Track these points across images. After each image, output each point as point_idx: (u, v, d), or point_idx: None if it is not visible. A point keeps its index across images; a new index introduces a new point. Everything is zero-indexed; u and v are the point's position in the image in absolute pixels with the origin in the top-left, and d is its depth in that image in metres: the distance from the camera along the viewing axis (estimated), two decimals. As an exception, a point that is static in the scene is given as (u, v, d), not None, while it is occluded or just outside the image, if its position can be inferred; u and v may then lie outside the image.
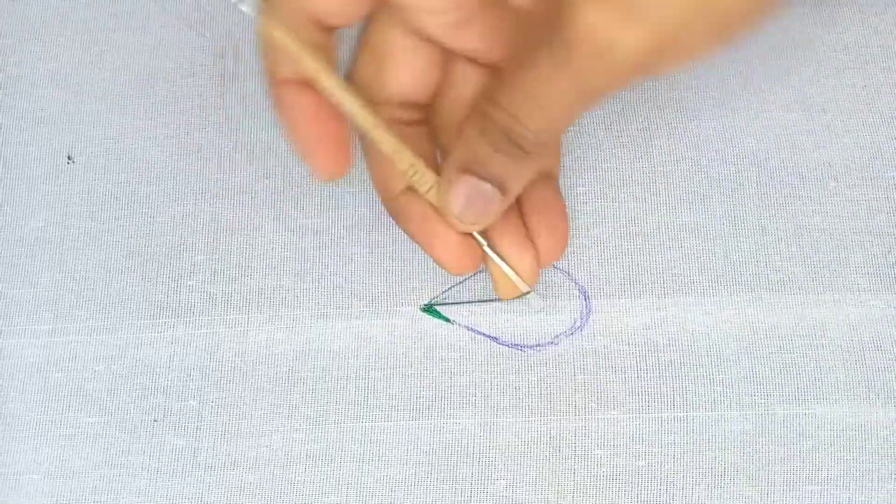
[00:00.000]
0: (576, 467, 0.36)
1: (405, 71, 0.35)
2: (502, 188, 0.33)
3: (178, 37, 0.45)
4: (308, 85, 0.33)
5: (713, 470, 0.35)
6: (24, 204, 0.42)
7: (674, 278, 0.38)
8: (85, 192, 0.42)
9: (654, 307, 0.38)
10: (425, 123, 0.36)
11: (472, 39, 0.34)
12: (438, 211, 0.34)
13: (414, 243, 0.39)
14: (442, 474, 0.36)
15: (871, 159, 0.40)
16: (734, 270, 0.38)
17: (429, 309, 0.38)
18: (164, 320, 0.39)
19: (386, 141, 0.33)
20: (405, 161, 0.33)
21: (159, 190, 0.42)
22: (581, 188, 0.40)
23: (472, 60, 0.35)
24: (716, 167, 0.40)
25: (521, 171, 0.33)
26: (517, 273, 0.35)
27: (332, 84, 0.32)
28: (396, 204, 0.35)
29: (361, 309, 0.39)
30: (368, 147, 0.35)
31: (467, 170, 0.32)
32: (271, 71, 0.34)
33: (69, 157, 0.43)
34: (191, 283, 0.40)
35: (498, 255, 0.35)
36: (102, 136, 0.43)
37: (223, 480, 0.37)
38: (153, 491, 0.37)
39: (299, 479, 0.36)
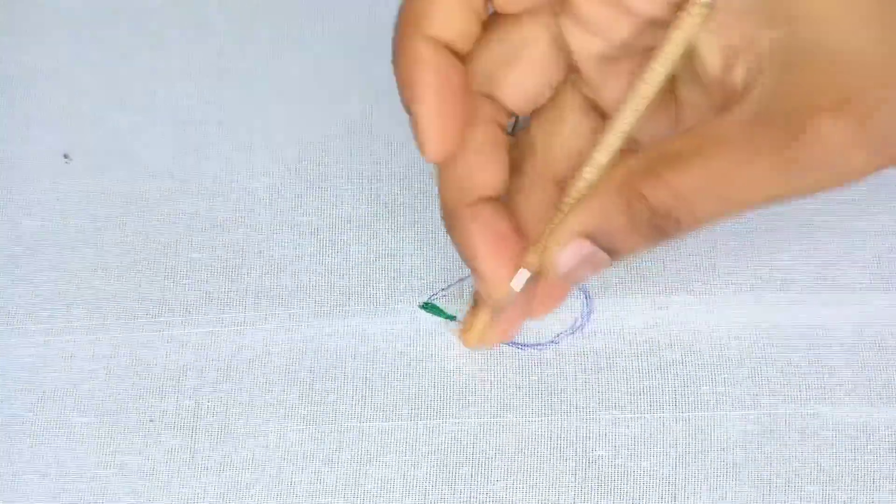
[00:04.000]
0: (577, 468, 0.35)
1: (530, 79, 0.32)
2: (614, 257, 0.31)
3: (177, 35, 0.45)
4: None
5: (716, 470, 0.35)
6: (21, 203, 0.42)
7: (676, 277, 0.38)
8: (82, 191, 0.42)
9: (656, 306, 0.38)
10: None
11: (608, 80, 0.32)
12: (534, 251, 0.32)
13: (413, 240, 0.40)
14: (440, 475, 0.36)
15: (874, 158, 0.40)
16: (736, 269, 0.38)
17: (428, 306, 0.38)
18: (160, 319, 0.39)
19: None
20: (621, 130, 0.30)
21: (156, 188, 0.42)
22: (582, 187, 0.40)
23: (588, 99, 0.33)
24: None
25: (644, 249, 0.31)
26: (486, 333, 0.35)
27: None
28: (466, 212, 0.32)
29: (359, 307, 0.39)
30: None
31: (592, 237, 0.30)
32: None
33: (66, 156, 0.43)
34: (187, 281, 0.40)
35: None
36: (100, 135, 0.43)
37: (219, 481, 0.36)
38: (149, 491, 0.36)
39: (296, 479, 0.36)
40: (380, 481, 0.36)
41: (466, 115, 0.31)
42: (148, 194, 0.42)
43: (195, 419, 0.37)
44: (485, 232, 0.32)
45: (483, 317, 0.35)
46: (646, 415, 0.36)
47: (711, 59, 0.30)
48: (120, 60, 0.45)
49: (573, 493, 0.35)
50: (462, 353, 0.38)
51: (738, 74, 0.29)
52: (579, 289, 0.38)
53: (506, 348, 0.37)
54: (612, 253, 0.30)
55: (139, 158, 0.42)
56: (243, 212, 0.41)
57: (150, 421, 0.37)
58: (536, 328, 0.38)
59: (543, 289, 0.35)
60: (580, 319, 0.38)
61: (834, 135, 0.28)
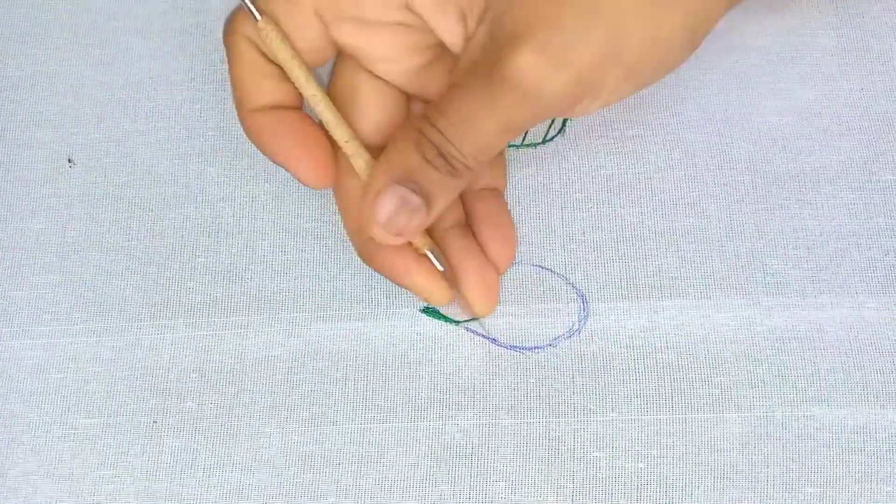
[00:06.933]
0: (574, 469, 0.36)
1: (374, 112, 0.37)
2: (429, 202, 0.33)
3: (180, 41, 0.45)
4: (282, 107, 0.36)
5: (712, 472, 0.35)
6: (25, 206, 0.42)
7: (671, 281, 0.38)
8: (85, 195, 0.42)
9: (652, 310, 0.38)
10: None
11: (430, 84, 0.36)
12: (364, 215, 0.35)
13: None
14: (440, 476, 0.36)
15: (868, 163, 0.40)
16: (731, 273, 0.38)
17: (429, 310, 0.38)
18: (163, 322, 0.39)
19: (329, 112, 0.35)
20: (344, 134, 0.35)
21: (160, 193, 0.42)
22: (578, 194, 0.40)
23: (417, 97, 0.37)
24: (711, 172, 0.40)
25: (449, 187, 0.34)
26: (469, 299, 0.37)
27: (298, 73, 0.35)
28: (370, 245, 0.36)
29: (360, 311, 0.39)
30: (342, 195, 0.37)
31: (397, 179, 0.33)
32: (244, 100, 0.36)
33: (70, 160, 0.43)
34: (191, 285, 0.40)
35: (460, 277, 0.37)
36: (103, 139, 0.43)
37: (221, 482, 0.37)
38: (151, 492, 0.37)
39: (297, 481, 0.36)
40: (380, 482, 0.36)
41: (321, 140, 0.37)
42: (151, 199, 0.42)
43: (198, 421, 0.38)
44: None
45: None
46: (642, 417, 0.36)
47: (451, 35, 0.34)
48: (123, 65, 0.45)
49: (570, 494, 0.35)
50: (461, 356, 0.38)
51: (470, 29, 0.33)
52: (576, 294, 0.38)
53: (504, 351, 0.38)
54: (425, 195, 0.33)
55: (142, 163, 0.43)
56: (246, 217, 0.41)
57: (154, 423, 0.38)
58: (534, 332, 0.38)
59: (491, 235, 0.38)
60: (577, 323, 0.38)
61: (525, 61, 0.31)
